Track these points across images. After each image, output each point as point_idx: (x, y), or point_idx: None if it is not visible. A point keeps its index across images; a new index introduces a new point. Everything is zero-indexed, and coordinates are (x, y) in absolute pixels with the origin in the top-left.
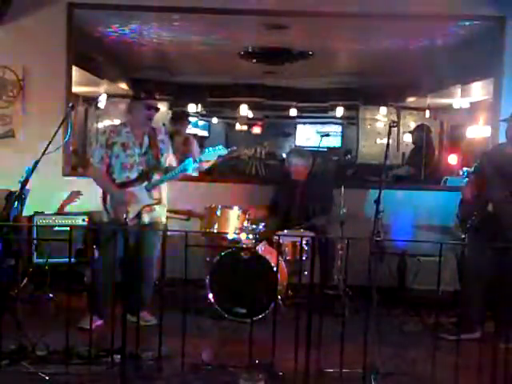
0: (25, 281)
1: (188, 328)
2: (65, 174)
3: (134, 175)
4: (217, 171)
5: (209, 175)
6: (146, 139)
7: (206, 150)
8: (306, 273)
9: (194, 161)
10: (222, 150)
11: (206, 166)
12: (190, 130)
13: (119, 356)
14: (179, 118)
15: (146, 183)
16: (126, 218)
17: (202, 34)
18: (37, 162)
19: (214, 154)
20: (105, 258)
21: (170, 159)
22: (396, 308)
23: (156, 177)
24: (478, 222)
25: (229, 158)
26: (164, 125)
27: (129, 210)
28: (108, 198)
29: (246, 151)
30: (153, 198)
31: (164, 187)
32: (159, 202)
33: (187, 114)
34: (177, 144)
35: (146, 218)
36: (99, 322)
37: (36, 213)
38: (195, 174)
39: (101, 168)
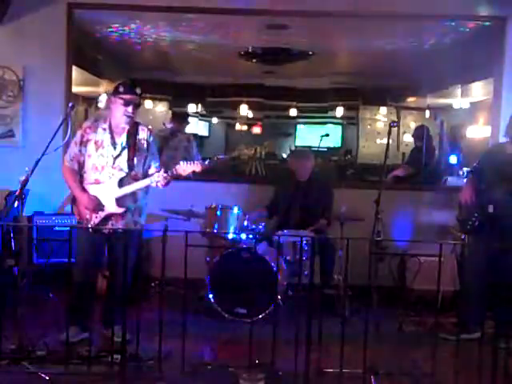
0: (25, 281)
1: (188, 328)
2: None
3: (103, 178)
4: (217, 171)
5: (209, 175)
6: (124, 138)
7: (181, 163)
8: (306, 273)
9: (165, 171)
10: (195, 166)
11: (183, 174)
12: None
13: (119, 356)
14: (179, 118)
15: (115, 189)
16: (89, 223)
17: (202, 34)
18: (37, 162)
19: (187, 169)
20: (77, 265)
21: (149, 160)
22: (396, 308)
23: (129, 182)
24: (478, 223)
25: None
26: (164, 124)
27: (93, 215)
28: (75, 199)
29: (245, 151)
30: (123, 205)
31: (142, 193)
32: (122, 211)
33: (187, 115)
34: (179, 141)
35: (118, 225)
36: (82, 336)
37: (36, 213)
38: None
39: (71, 166)
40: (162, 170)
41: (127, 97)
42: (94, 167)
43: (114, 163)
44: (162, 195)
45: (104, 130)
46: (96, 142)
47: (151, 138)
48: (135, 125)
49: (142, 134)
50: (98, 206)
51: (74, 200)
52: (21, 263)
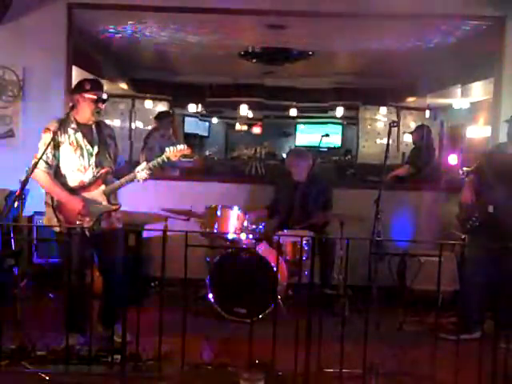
0: (25, 281)
1: (188, 328)
2: None
3: (88, 178)
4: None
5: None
6: (96, 136)
7: (167, 149)
8: (306, 273)
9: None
10: (184, 149)
11: (174, 158)
12: (190, 129)
13: (119, 356)
14: (161, 117)
15: (103, 187)
16: (81, 227)
17: (202, 34)
18: (37, 162)
19: (177, 153)
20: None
21: (119, 158)
22: (396, 308)
23: (112, 179)
24: (478, 223)
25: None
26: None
27: (86, 218)
28: (55, 202)
29: (245, 151)
30: (111, 203)
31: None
32: (119, 208)
33: (168, 112)
34: (154, 139)
35: (103, 224)
36: (82, 340)
37: (36, 213)
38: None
39: (48, 171)
40: (145, 163)
41: (98, 93)
42: (76, 169)
43: (95, 161)
44: (162, 195)
45: (74, 129)
46: (71, 144)
47: (114, 134)
48: (98, 122)
49: (107, 130)
50: (91, 205)
51: (54, 204)
52: (21, 263)
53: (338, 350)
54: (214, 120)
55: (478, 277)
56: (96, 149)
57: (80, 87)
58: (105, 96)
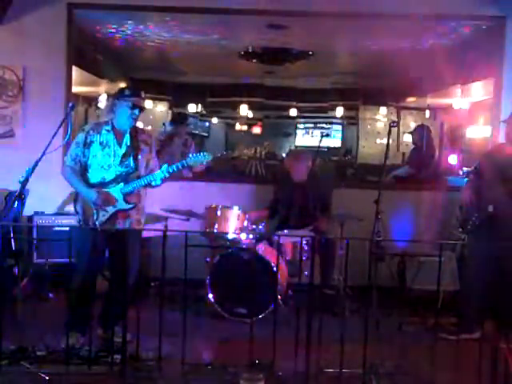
0: (25, 281)
1: (188, 328)
2: None
3: (110, 176)
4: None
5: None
6: (128, 139)
7: (190, 155)
8: (306, 273)
9: (167, 170)
10: (207, 156)
11: (195, 165)
12: (191, 130)
13: (119, 356)
14: (179, 119)
15: (121, 185)
16: (96, 220)
17: (202, 34)
18: (37, 162)
19: (198, 160)
20: (79, 266)
21: (153, 163)
22: (396, 308)
23: (134, 180)
24: (478, 223)
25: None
26: (164, 125)
27: (100, 213)
28: (79, 198)
29: (245, 151)
30: (129, 202)
31: (144, 193)
32: (136, 206)
33: (186, 116)
34: (176, 145)
35: (119, 225)
36: (82, 340)
37: (36, 213)
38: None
39: (73, 167)
40: (164, 168)
41: (134, 100)
42: (100, 166)
43: (120, 161)
44: (162, 195)
45: (108, 131)
46: (101, 143)
47: (153, 142)
48: (135, 127)
49: (143, 137)
50: (107, 199)
51: (76, 199)
52: (21, 263)
53: (338, 350)
54: (214, 120)
55: (478, 277)
56: (124, 150)
57: (119, 93)
58: (142, 103)
